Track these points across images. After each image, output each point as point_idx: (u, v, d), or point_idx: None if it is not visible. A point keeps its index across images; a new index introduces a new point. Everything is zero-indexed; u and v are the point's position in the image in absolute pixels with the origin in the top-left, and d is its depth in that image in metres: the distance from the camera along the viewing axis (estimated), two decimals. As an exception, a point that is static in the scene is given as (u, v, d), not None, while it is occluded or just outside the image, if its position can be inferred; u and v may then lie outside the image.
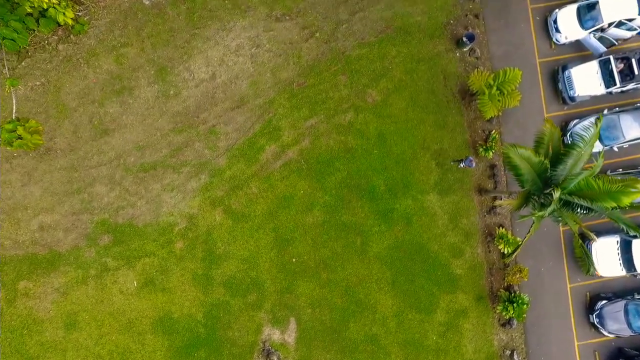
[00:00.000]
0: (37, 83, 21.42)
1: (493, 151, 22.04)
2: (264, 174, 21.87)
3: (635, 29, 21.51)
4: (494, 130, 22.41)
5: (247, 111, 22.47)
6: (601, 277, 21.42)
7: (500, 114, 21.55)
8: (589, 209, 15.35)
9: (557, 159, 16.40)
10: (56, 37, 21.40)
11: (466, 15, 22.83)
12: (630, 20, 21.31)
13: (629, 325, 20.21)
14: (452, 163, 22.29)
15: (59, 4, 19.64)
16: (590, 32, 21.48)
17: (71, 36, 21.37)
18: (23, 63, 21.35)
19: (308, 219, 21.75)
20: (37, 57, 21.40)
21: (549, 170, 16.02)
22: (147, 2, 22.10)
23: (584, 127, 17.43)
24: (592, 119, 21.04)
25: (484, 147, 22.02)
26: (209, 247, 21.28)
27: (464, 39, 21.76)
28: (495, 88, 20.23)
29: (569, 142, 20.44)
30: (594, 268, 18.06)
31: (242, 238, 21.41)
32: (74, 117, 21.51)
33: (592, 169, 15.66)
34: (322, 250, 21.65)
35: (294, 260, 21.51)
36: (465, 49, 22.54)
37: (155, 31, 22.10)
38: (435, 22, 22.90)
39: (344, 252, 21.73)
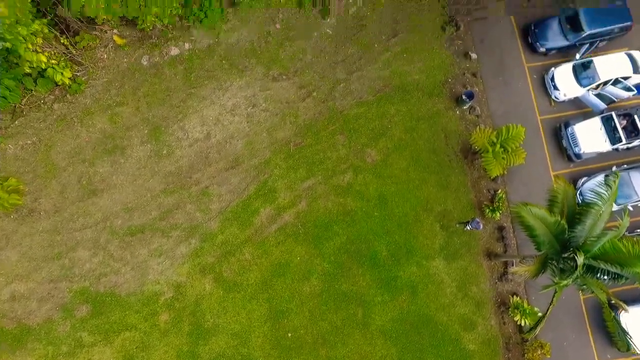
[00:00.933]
0: (28, 142, 20.76)
1: (500, 212, 20.90)
2: (258, 238, 20.55)
3: (632, 90, 21.34)
4: (499, 190, 21.42)
5: (242, 172, 21.62)
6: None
7: (505, 172, 20.69)
8: (618, 276, 13.81)
9: (573, 219, 15.18)
10: (52, 97, 21.10)
11: (464, 73, 22.75)
12: (625, 78, 21.25)
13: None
14: (457, 225, 21.05)
15: (58, 64, 19.53)
16: (588, 90, 21.32)
17: (67, 95, 21.05)
18: (17, 122, 20.84)
19: (305, 288, 20.08)
20: (31, 116, 20.94)
21: (566, 232, 14.73)
22: (145, 63, 22.08)
23: (598, 183, 16.38)
24: (602, 177, 20.15)
25: (490, 207, 20.91)
26: (196, 319, 19.40)
27: (464, 96, 21.46)
28: (499, 145, 19.54)
29: (580, 201, 19.36)
30: (635, 346, 15.97)
31: (233, 309, 19.60)
32: (62, 176, 20.60)
33: (617, 229, 14.31)
34: (321, 324, 19.75)
35: (289, 335, 19.54)
36: (465, 107, 22.18)
37: (152, 90, 21.85)
38: (434, 80, 22.76)
39: (345, 326, 19.83)
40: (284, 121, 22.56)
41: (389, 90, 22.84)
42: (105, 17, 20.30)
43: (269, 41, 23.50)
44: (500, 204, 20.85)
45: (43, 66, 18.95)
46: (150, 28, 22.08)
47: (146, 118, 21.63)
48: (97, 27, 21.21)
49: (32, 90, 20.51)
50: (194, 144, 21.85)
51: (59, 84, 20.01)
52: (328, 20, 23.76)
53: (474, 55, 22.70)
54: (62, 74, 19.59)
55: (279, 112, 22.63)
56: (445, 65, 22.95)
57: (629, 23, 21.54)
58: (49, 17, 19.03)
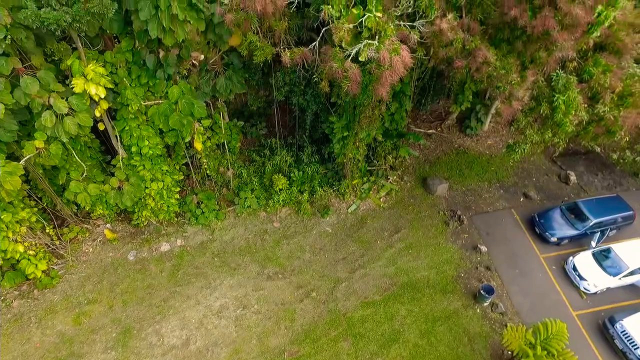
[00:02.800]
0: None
1: None
2: None
3: None
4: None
5: (222, 390, 17.22)
6: None
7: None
8: None
9: None
10: (17, 292, 18.70)
11: (476, 267, 20.85)
12: None
13: None
14: None
15: (35, 256, 18.01)
16: (621, 278, 19.27)
17: (34, 291, 18.70)
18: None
19: None
20: (-19, 314, 18.12)
21: None
22: (131, 258, 20.57)
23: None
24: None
25: None
26: None
27: (482, 292, 18.98)
28: (540, 348, 15.94)
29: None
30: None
31: None
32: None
33: None
34: None
35: None
36: (485, 304, 19.36)
37: (132, 287, 19.58)
38: (445, 276, 20.69)
39: None
40: (278, 325, 19.41)
41: (396, 288, 20.54)
42: (102, 212, 20.05)
43: (266, 239, 22.65)
44: None
45: (17, 257, 17.41)
46: (145, 224, 21.60)
47: (118, 318, 18.64)
48: (91, 220, 20.72)
49: (-4, 286, 18.39)
50: (169, 352, 18.16)
51: (30, 277, 18.04)
52: (327, 219, 23.54)
53: (483, 248, 21.35)
54: (36, 266, 17.88)
55: (273, 314, 19.74)
56: (455, 260, 21.34)
57: (630, 212, 21.75)
58: (41, 205, 18.66)
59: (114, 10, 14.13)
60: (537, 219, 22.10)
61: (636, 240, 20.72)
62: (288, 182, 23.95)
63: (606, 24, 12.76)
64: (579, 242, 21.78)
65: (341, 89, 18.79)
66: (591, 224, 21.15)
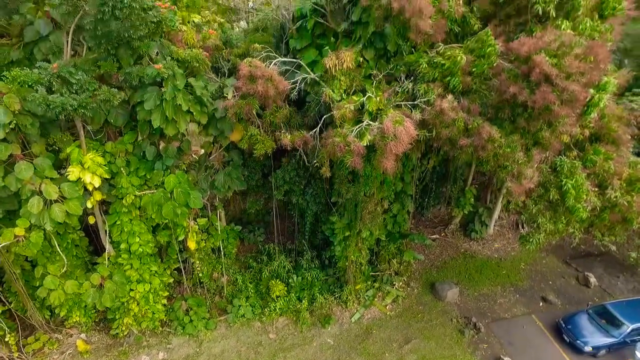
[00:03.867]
0: None
1: None
2: None
3: None
4: None
5: None
6: None
7: None
8: None
9: None
10: None
11: (504, 383, 17.96)
12: None
13: None
14: None
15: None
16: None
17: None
18: None
19: None
20: None
21: None
22: (101, 376, 17.75)
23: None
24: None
25: None
26: None
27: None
28: None
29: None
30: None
31: None
32: None
33: None
34: None
35: None
36: None
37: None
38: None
39: None
40: None
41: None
42: (79, 319, 18.04)
43: (260, 352, 20.01)
44: None
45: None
46: (125, 333, 19.28)
47: None
48: (64, 329, 18.42)
49: None
50: None
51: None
52: (329, 329, 21.16)
53: (507, 360, 18.73)
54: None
55: None
56: (472, 373, 18.57)
57: None
58: (7, 307, 16.65)
59: (120, 99, 14.50)
60: (564, 325, 19.73)
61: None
62: (286, 288, 22.20)
63: (601, 105, 13.00)
64: (619, 353, 19.10)
65: (342, 185, 18.67)
66: (629, 330, 18.70)
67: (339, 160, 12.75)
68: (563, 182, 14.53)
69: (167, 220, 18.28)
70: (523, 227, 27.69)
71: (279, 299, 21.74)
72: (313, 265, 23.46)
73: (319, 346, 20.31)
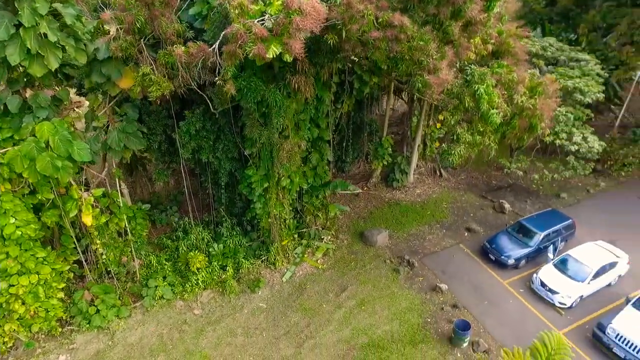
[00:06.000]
0: None
1: None
2: None
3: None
4: None
5: None
6: None
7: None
8: None
9: None
10: None
11: (442, 308, 17.80)
12: (612, 264, 18.73)
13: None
14: None
15: None
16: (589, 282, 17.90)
17: None
18: None
19: None
20: None
21: None
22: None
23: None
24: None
25: None
26: None
27: (457, 330, 15.81)
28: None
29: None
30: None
31: None
32: None
33: None
34: None
35: None
36: (464, 344, 15.97)
37: None
38: (410, 325, 17.21)
39: None
40: None
41: (357, 352, 16.47)
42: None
43: (185, 330, 17.73)
44: None
45: None
46: (10, 345, 15.84)
47: None
48: None
49: None
50: None
51: None
52: (260, 293, 19.50)
53: (444, 287, 18.62)
54: None
55: None
56: (416, 306, 18.16)
57: (570, 221, 21.61)
58: None
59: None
60: (489, 246, 20.53)
61: (586, 243, 19.92)
62: (207, 259, 20.07)
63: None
64: (535, 261, 20.23)
65: (254, 129, 17.06)
66: (541, 237, 20.30)
67: (243, 55, 11.12)
68: (475, 88, 14.59)
69: (49, 188, 15.27)
70: (441, 174, 28.48)
71: (200, 271, 19.54)
72: (235, 233, 21.57)
73: (251, 312, 18.57)
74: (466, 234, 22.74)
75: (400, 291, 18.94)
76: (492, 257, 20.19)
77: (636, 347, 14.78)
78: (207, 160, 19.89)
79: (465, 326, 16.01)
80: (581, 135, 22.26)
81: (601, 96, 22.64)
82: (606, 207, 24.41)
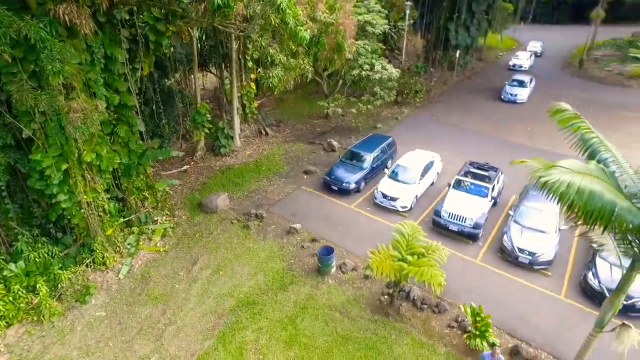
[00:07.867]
0: None
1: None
2: None
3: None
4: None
5: None
6: None
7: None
8: None
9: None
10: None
11: (302, 246, 17.22)
12: (432, 163, 21.49)
13: None
14: None
15: None
16: (419, 182, 20.10)
17: None
18: None
19: None
20: None
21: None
22: None
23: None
24: None
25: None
26: None
27: (322, 257, 15.43)
28: (409, 256, 13.31)
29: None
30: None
31: None
32: None
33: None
34: None
35: None
36: (332, 270, 15.70)
37: None
38: (275, 272, 16.04)
39: None
40: None
41: (227, 317, 14.60)
42: None
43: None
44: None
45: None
46: None
47: None
48: None
49: None
50: None
51: None
52: (93, 301, 15.69)
53: (298, 226, 18.10)
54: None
55: None
56: (276, 252, 17.15)
57: (390, 139, 23.84)
58: None
59: None
60: (328, 178, 21.00)
61: (407, 153, 22.14)
62: (1, 285, 15.13)
63: None
64: (375, 180, 21.62)
65: (24, 93, 13.10)
66: (371, 158, 21.72)
67: None
68: (279, 2, 13.96)
69: None
70: (266, 133, 27.91)
71: (-7, 304, 14.61)
72: (40, 244, 16.85)
73: (86, 326, 14.75)
74: (305, 176, 22.77)
75: (255, 245, 17.64)
76: (334, 187, 20.68)
77: (462, 217, 16.99)
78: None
79: (328, 251, 15.74)
80: (380, 65, 24.41)
81: (386, 27, 25.16)
82: (412, 127, 27.92)
